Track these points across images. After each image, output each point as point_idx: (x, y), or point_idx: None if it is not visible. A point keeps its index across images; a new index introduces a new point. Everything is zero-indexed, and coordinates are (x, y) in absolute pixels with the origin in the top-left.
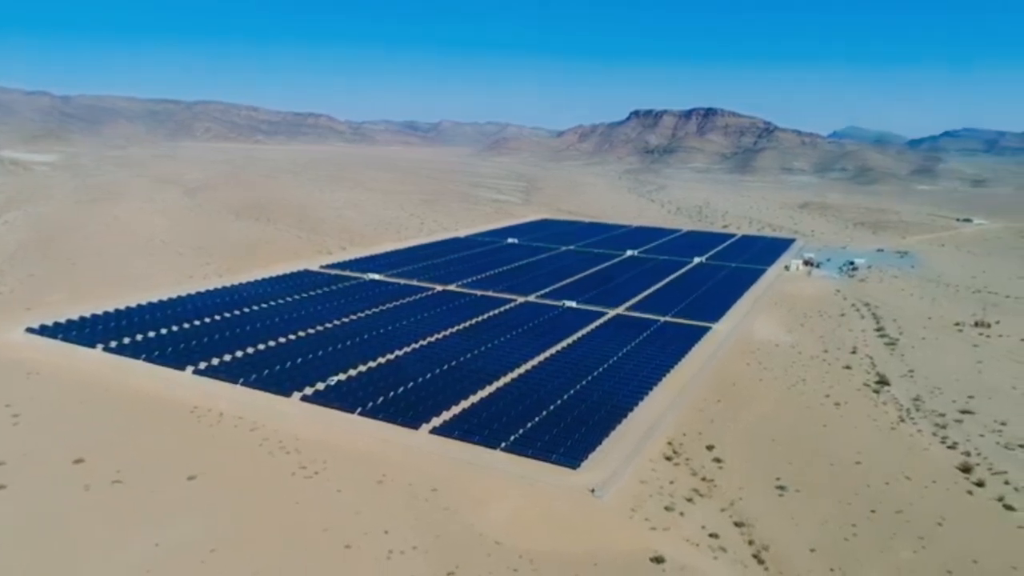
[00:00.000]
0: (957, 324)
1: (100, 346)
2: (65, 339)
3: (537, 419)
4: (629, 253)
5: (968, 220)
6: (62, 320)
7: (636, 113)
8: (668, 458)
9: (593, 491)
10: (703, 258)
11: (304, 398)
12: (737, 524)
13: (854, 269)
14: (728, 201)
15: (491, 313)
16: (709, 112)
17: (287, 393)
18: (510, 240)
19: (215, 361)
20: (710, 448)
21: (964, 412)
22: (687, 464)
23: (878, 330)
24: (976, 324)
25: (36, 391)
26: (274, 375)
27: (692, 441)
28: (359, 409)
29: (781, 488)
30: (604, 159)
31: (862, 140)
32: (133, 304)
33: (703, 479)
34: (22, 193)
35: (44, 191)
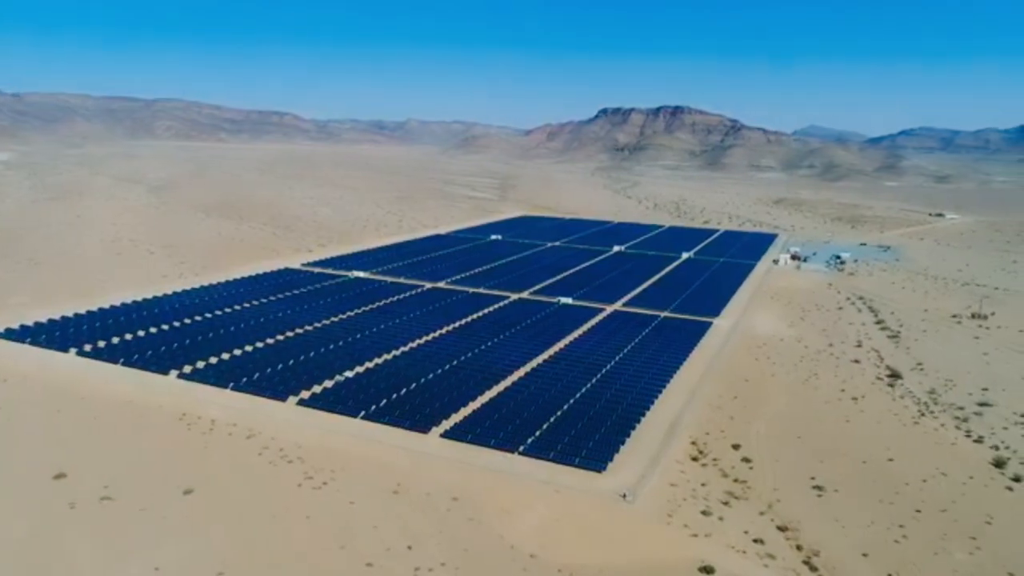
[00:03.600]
0: (954, 316)
1: (74, 350)
2: (35, 343)
3: (552, 420)
4: (616, 249)
5: (940, 215)
6: (30, 323)
7: (604, 111)
8: (695, 459)
9: (624, 496)
10: (691, 253)
11: (301, 402)
12: (780, 528)
13: (841, 263)
14: (703, 197)
15: (486, 311)
16: (677, 110)
17: (282, 397)
18: (493, 237)
19: (201, 364)
20: (736, 447)
21: (982, 405)
22: (715, 465)
23: (878, 323)
24: (973, 316)
25: (5, 399)
26: (267, 378)
27: (716, 440)
28: (362, 413)
29: (818, 488)
30: (574, 157)
31: (824, 138)
32: (106, 305)
33: (735, 480)
34: None
35: (1, 190)
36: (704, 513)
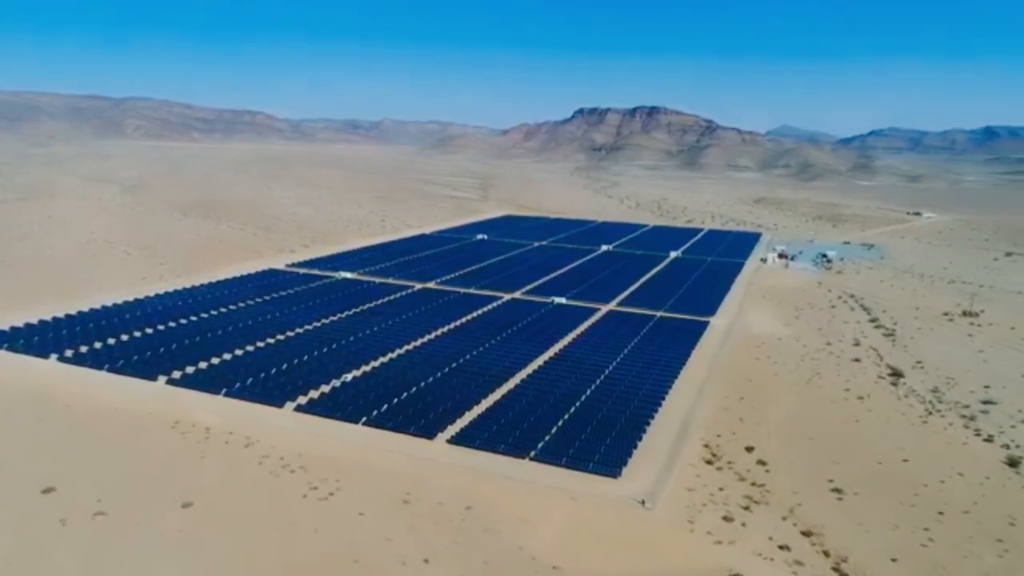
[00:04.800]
0: (946, 314)
1: (55, 356)
2: (12, 349)
3: (561, 424)
4: (604, 248)
5: (918, 214)
6: (5, 327)
7: (581, 111)
8: (709, 462)
9: (643, 503)
10: (678, 252)
11: (299, 408)
12: (805, 533)
13: (828, 261)
14: (684, 197)
15: (479, 311)
16: (653, 110)
17: (279, 403)
18: (479, 236)
19: (190, 369)
20: (750, 450)
21: (987, 403)
22: (731, 468)
23: (872, 321)
24: (964, 314)
25: None
26: (261, 383)
27: (729, 442)
28: (364, 419)
29: (838, 491)
30: (551, 157)
31: (797, 139)
32: (86, 308)
33: (753, 484)
34: None
35: None
36: (726, 519)
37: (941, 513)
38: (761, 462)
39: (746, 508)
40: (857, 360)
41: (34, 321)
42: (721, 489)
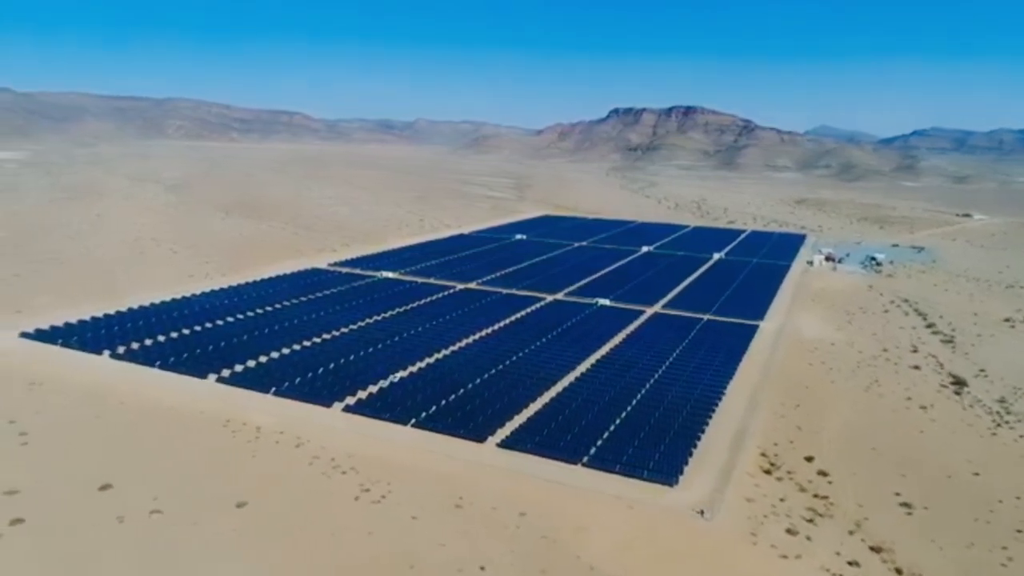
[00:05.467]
0: (1007, 320)
1: (107, 352)
2: (66, 344)
3: (613, 429)
4: (645, 249)
5: (968, 215)
6: (59, 323)
7: (616, 111)
8: (767, 471)
9: (702, 513)
10: (721, 254)
11: (347, 408)
12: (874, 549)
13: (878, 264)
14: (723, 197)
15: (523, 312)
16: (689, 110)
17: (327, 403)
18: (518, 236)
19: (239, 368)
20: (809, 460)
21: None
22: (791, 479)
23: (929, 327)
24: None
25: (41, 404)
26: (308, 383)
27: (787, 451)
28: (412, 420)
29: (906, 506)
30: (586, 157)
31: (836, 139)
32: (135, 305)
33: (815, 496)
34: None
35: (16, 189)
36: (789, 532)
37: (1020, 531)
38: (822, 473)
39: (810, 521)
40: (916, 368)
41: (86, 318)
42: (782, 500)
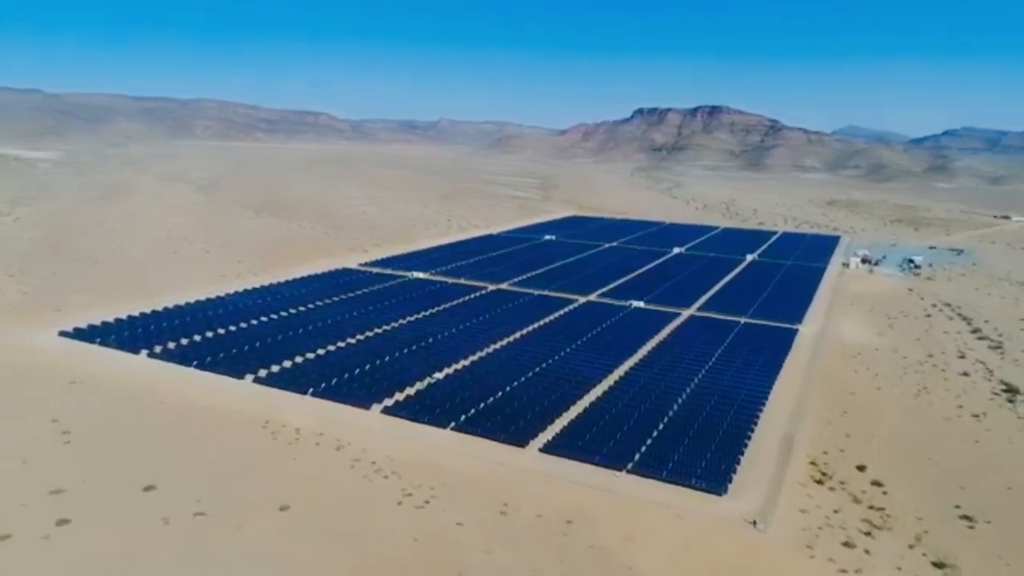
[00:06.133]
0: None
1: (144, 351)
2: (104, 343)
3: (656, 434)
4: (676, 250)
5: (1007, 217)
6: (97, 322)
7: (640, 111)
8: (819, 481)
9: (755, 524)
10: (754, 255)
11: (386, 410)
12: (937, 565)
13: (916, 267)
14: (752, 198)
15: (557, 314)
16: (715, 110)
17: (365, 405)
18: (547, 237)
19: (275, 368)
20: (862, 469)
21: None
22: (844, 489)
23: (974, 332)
24: None
25: (82, 403)
26: (345, 384)
27: (837, 460)
28: (452, 424)
29: (967, 519)
30: (610, 157)
31: (865, 139)
32: (170, 304)
33: (871, 507)
34: (27, 190)
35: (50, 188)
36: (847, 545)
37: None
38: (876, 483)
39: (867, 534)
40: (965, 374)
41: (123, 317)
42: (836, 511)
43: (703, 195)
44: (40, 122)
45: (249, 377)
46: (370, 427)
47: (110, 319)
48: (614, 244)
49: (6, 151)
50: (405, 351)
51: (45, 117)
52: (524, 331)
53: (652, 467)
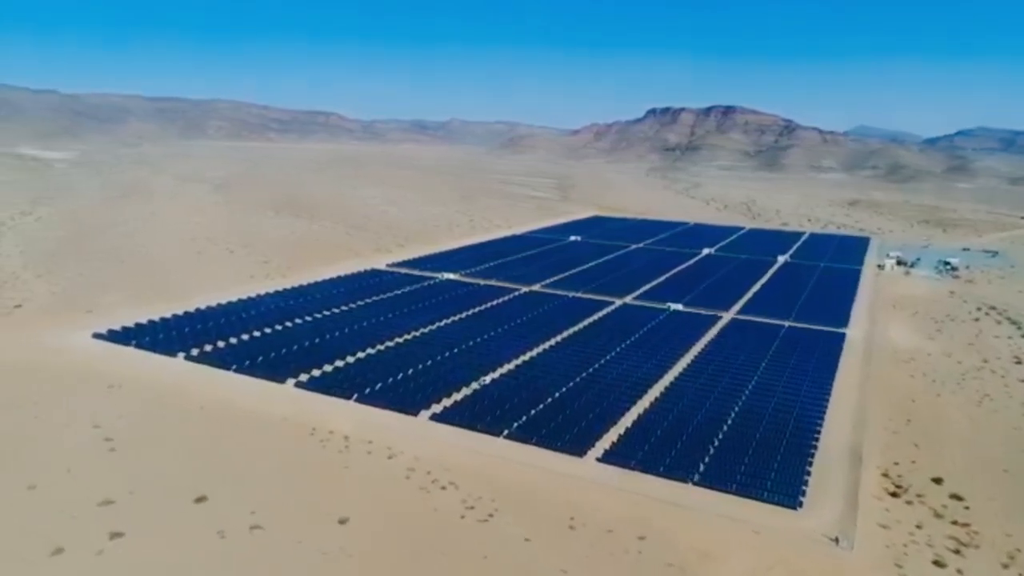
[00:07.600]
0: None
1: (181, 354)
2: (139, 346)
3: (717, 443)
4: (706, 251)
5: None
6: (130, 324)
7: (653, 111)
8: (894, 494)
9: (837, 541)
10: (786, 257)
11: (434, 417)
12: None
13: (953, 269)
14: (772, 199)
15: (594, 317)
16: (728, 110)
17: (413, 411)
18: (573, 238)
19: (316, 372)
20: (938, 481)
21: None
22: (922, 502)
23: None
24: None
25: (123, 408)
26: (390, 389)
27: (911, 472)
28: (505, 431)
29: None
30: (623, 157)
31: (880, 139)
32: (203, 306)
33: (954, 523)
34: (47, 190)
35: (69, 188)
36: (937, 564)
37: None
38: (956, 496)
39: (956, 552)
40: None
41: (156, 318)
42: (919, 527)
43: (722, 195)
44: (56, 122)
45: (290, 381)
46: (420, 434)
47: (143, 320)
48: (641, 245)
49: (24, 151)
50: (447, 354)
51: (61, 117)
52: (564, 334)
53: (720, 479)
